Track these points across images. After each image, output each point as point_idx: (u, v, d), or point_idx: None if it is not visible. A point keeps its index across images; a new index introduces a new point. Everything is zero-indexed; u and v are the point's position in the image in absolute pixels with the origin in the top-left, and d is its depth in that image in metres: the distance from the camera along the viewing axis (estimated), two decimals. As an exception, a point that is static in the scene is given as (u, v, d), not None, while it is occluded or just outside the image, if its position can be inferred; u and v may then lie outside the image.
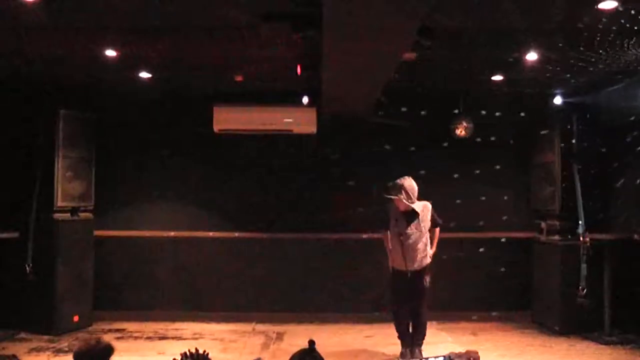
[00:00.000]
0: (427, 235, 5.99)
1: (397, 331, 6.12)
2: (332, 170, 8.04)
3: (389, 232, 6.07)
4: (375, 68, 5.20)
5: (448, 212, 7.93)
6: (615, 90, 6.75)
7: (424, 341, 6.09)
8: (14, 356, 3.03)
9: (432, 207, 6.07)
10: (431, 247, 6.02)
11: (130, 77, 6.90)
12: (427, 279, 5.96)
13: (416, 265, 5.88)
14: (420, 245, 5.90)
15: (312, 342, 3.14)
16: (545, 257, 7.56)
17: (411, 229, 5.90)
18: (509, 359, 6.31)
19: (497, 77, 6.80)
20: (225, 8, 4.70)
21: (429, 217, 5.99)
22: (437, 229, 6.13)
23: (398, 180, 5.91)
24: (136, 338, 7.07)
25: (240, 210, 8.02)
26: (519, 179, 8.06)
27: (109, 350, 3.18)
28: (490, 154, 8.01)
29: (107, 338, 4.06)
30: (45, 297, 6.92)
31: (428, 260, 5.97)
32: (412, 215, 5.93)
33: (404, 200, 5.84)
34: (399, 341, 6.14)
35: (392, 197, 5.87)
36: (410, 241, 5.87)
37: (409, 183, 5.90)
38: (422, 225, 5.93)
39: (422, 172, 7.70)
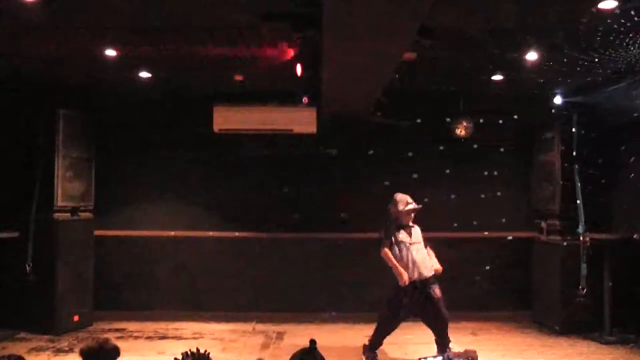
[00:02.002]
0: None
1: (372, 339, 6.08)
2: (332, 170, 8.04)
3: (389, 247, 5.99)
4: (375, 68, 5.20)
5: (448, 212, 7.94)
6: (615, 90, 6.74)
7: (423, 340, 6.16)
8: (19, 356, 3.02)
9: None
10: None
11: (130, 77, 6.90)
12: (437, 289, 5.92)
13: (428, 272, 5.86)
14: (426, 253, 5.95)
15: (313, 342, 3.15)
16: (545, 257, 7.56)
17: (416, 239, 5.96)
18: (509, 359, 6.32)
19: (497, 77, 6.80)
20: (225, 8, 4.71)
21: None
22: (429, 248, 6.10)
23: (400, 195, 5.98)
24: (136, 338, 7.07)
25: (240, 210, 8.02)
26: (519, 179, 8.06)
27: (116, 351, 3.19)
28: (490, 154, 8.01)
29: (107, 338, 4.05)
30: (45, 297, 6.92)
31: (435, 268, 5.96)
32: (413, 227, 6.00)
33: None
34: (388, 341, 6.14)
35: (417, 206, 5.94)
36: (416, 250, 5.91)
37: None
38: (420, 236, 6.01)
39: (422, 172, 7.70)
